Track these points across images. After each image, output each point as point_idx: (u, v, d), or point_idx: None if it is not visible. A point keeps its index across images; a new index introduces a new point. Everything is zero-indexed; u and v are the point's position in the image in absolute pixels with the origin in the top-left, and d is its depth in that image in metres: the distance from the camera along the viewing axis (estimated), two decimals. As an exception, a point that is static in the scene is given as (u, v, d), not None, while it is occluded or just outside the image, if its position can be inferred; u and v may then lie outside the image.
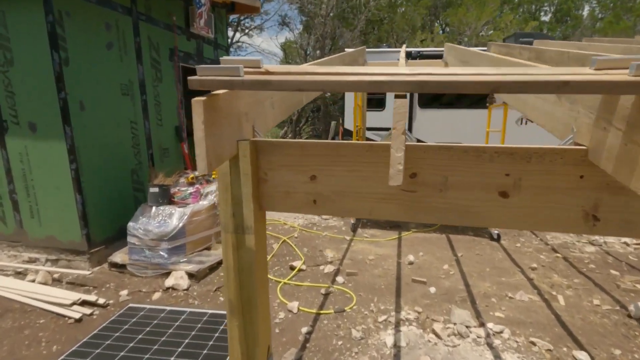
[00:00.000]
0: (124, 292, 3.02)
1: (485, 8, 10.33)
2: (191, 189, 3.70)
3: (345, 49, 7.98)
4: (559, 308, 2.87)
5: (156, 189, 3.48)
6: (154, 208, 3.44)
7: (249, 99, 1.37)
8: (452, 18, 10.81)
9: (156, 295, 3.00)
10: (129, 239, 3.34)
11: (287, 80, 1.06)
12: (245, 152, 1.32)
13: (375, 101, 7.74)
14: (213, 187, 3.78)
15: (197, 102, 1.00)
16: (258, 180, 1.37)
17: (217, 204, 3.72)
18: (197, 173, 4.01)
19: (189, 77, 1.00)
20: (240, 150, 1.34)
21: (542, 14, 14.91)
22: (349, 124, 7.91)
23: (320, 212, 1.35)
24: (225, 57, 1.14)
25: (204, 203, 3.61)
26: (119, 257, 3.44)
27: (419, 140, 7.55)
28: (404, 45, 5.04)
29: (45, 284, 3.16)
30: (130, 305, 2.81)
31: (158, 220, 3.35)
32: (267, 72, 1.15)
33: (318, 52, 13.42)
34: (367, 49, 6.37)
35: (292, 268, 3.54)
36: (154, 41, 4.30)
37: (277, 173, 1.32)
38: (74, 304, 2.77)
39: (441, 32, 12.92)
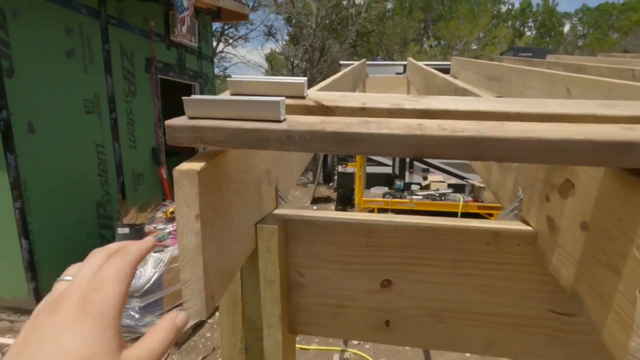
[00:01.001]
0: (80, 372, 2.32)
1: (477, 22, 10.21)
2: (170, 227, 3.07)
3: (340, 62, 7.56)
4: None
5: (126, 230, 2.82)
6: (123, 253, 2.78)
7: (273, 147, 0.72)
8: (444, 31, 10.64)
9: (123, 373, 2.32)
10: (90, 294, 2.66)
11: (451, 138, 0.43)
12: (270, 244, 0.71)
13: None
14: (197, 224, 3.15)
15: (187, 175, 0.46)
16: (288, 284, 0.75)
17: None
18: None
19: (168, 123, 0.48)
20: (262, 242, 0.72)
21: (526, 29, 15.15)
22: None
23: (398, 340, 0.77)
24: (234, 77, 0.55)
25: (186, 244, 2.97)
26: (77, 316, 2.75)
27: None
28: (411, 59, 4.60)
29: (-25, 358, 2.43)
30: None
31: (128, 270, 2.69)
32: (324, 107, 0.58)
33: (305, 64, 13.02)
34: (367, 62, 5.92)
35: (295, 323, 2.93)
36: (126, 49, 3.68)
37: (323, 273, 0.75)
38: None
39: (427, 46, 12.80)
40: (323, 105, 0.62)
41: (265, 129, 0.49)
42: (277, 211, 0.76)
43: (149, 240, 0.35)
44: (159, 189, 4.16)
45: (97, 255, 0.32)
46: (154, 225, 3.08)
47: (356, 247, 0.76)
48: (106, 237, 3.38)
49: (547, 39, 14.56)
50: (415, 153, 0.47)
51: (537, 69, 2.52)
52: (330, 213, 0.81)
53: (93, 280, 0.29)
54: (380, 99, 0.68)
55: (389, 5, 12.16)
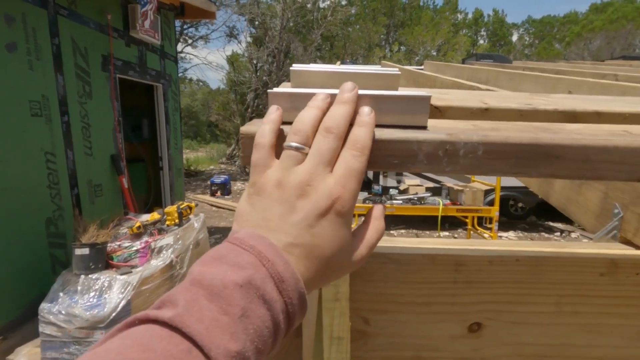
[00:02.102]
0: None
1: (439, 29, 10.61)
2: (138, 244, 2.72)
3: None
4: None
5: (85, 250, 2.45)
6: (82, 278, 2.40)
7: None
8: (408, 37, 10.93)
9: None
10: (43, 328, 2.26)
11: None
12: (340, 289, 0.56)
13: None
14: (170, 239, 2.83)
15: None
16: (351, 334, 0.55)
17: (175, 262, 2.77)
18: (144, 218, 3.03)
19: (243, 130, 0.34)
20: (328, 288, 0.51)
21: (479, 38, 16.09)
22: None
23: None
24: (297, 66, 0.36)
25: (157, 263, 2.65)
26: (25, 354, 2.33)
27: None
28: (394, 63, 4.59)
29: None
30: None
31: (89, 297, 2.32)
32: (432, 107, 0.44)
33: (267, 66, 12.74)
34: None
35: None
36: (80, 45, 3.26)
37: (395, 319, 0.59)
38: None
39: (388, 52, 13.11)
40: (430, 104, 0.46)
41: (410, 139, 0.33)
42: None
43: (371, 116, 0.30)
44: (120, 200, 3.74)
45: (337, 125, 0.28)
46: (118, 243, 2.72)
47: (440, 285, 0.60)
48: (59, 258, 2.94)
49: (499, 47, 15.54)
50: (646, 176, 0.33)
51: (527, 72, 2.50)
52: (404, 241, 0.64)
53: (340, 168, 0.28)
54: (497, 97, 0.53)
55: (353, 10, 12.30)
